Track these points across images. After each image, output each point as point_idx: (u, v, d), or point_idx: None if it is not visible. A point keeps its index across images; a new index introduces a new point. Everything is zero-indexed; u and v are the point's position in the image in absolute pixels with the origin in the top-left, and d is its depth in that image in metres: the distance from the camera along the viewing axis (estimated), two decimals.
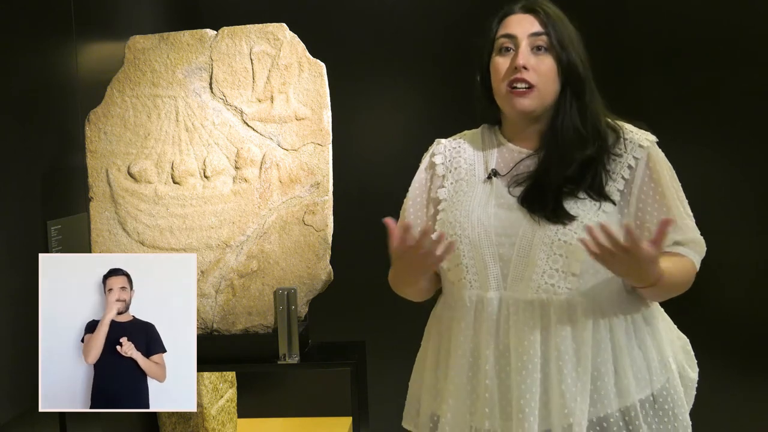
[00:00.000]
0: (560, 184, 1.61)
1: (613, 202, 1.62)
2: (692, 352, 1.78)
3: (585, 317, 1.59)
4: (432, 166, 1.79)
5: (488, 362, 1.61)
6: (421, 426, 1.76)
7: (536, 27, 1.64)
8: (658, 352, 1.66)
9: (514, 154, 1.71)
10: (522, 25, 1.65)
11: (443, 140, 1.83)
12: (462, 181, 1.73)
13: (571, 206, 1.60)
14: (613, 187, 1.63)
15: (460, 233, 1.65)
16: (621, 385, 1.59)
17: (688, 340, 1.80)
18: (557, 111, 1.66)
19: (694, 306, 1.74)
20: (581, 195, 1.61)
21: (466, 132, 1.83)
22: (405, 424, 1.83)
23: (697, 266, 1.67)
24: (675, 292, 1.65)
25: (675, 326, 1.80)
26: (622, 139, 1.66)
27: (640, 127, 1.71)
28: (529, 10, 1.67)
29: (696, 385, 1.74)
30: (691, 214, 1.68)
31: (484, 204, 1.66)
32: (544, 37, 1.63)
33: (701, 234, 1.69)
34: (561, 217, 1.58)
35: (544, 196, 1.61)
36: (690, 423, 1.68)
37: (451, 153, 1.78)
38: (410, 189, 1.83)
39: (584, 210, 1.60)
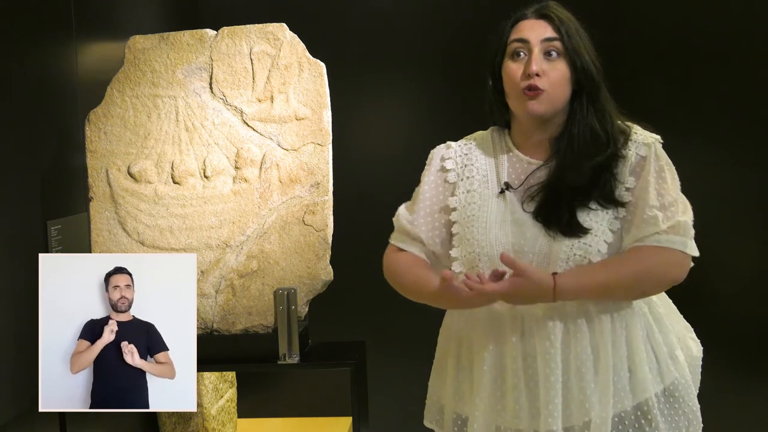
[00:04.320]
0: (572, 195, 1.62)
1: (624, 205, 1.63)
2: (693, 331, 1.80)
3: (601, 322, 1.62)
4: (443, 170, 1.78)
5: (516, 366, 1.65)
6: (445, 427, 1.79)
7: (549, 32, 1.64)
8: (667, 345, 1.69)
9: (525, 165, 1.71)
10: (535, 31, 1.65)
11: (453, 144, 1.81)
12: (474, 193, 1.73)
13: (584, 218, 1.61)
14: (623, 189, 1.63)
15: (479, 251, 1.66)
16: (636, 382, 1.63)
17: (687, 323, 1.82)
18: (571, 116, 1.67)
19: (692, 306, 1.73)
20: (593, 205, 1.62)
21: (476, 135, 1.82)
22: (427, 423, 1.86)
23: (687, 251, 1.60)
24: (636, 288, 1.61)
25: (676, 309, 1.81)
26: (629, 141, 1.66)
27: (647, 129, 1.71)
28: (542, 15, 1.66)
29: (701, 363, 1.76)
30: (681, 200, 1.63)
31: (500, 221, 1.67)
32: (556, 43, 1.63)
33: (701, 236, 1.67)
34: (575, 230, 1.60)
35: (558, 209, 1.62)
36: (698, 406, 1.70)
37: (463, 160, 1.77)
38: (421, 190, 1.79)
39: (597, 221, 1.61)
